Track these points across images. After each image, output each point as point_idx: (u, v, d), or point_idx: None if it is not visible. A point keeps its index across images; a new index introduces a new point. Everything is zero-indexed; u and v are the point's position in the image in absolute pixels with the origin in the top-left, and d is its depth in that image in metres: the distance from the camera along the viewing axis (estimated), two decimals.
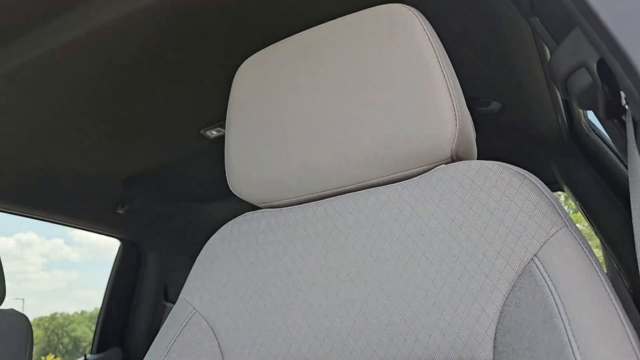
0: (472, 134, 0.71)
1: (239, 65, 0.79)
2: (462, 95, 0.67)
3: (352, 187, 0.69)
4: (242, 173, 0.74)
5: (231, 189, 0.77)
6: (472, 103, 1.46)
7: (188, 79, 1.25)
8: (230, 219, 0.78)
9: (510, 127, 1.62)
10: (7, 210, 1.66)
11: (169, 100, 1.34)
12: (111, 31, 1.01)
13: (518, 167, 0.62)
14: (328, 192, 0.70)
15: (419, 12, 0.68)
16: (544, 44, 0.66)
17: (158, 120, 1.46)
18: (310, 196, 0.71)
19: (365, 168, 0.67)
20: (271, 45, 0.77)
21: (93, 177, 1.74)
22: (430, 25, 0.68)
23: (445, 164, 0.66)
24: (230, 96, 0.79)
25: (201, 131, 1.54)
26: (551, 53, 0.62)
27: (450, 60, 0.69)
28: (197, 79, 1.25)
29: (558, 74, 0.59)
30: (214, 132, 1.54)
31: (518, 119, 1.57)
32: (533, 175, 0.61)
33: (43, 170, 1.58)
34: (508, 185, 0.59)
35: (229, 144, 0.76)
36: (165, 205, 2.19)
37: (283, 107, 0.72)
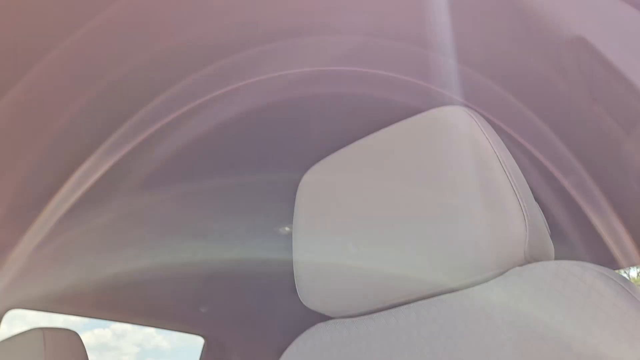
0: (546, 232, 0.67)
1: (307, 166, 0.81)
2: (530, 193, 0.65)
3: (424, 294, 0.67)
4: (310, 283, 0.74)
5: (301, 299, 0.76)
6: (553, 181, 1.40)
7: (260, 181, 1.30)
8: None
9: None
10: (99, 318, 1.74)
11: (243, 201, 1.39)
12: (192, 147, 1.09)
13: (601, 267, 0.57)
14: (399, 301, 0.68)
15: (474, 112, 0.68)
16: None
17: (233, 219, 1.51)
18: (380, 305, 0.70)
19: (435, 275, 0.65)
20: (334, 153, 0.79)
21: (174, 279, 1.80)
22: (487, 124, 0.67)
23: (520, 266, 0.62)
24: (295, 205, 0.80)
25: (274, 228, 1.57)
26: (621, 143, 0.59)
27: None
28: (268, 180, 1.29)
29: (630, 166, 0.55)
30: (287, 229, 1.57)
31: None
32: (619, 275, 0.56)
33: (126, 278, 1.66)
34: (591, 289, 0.55)
35: (297, 254, 0.77)
36: (246, 301, 2.21)
37: (349, 215, 0.72)
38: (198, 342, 2.23)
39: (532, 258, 0.62)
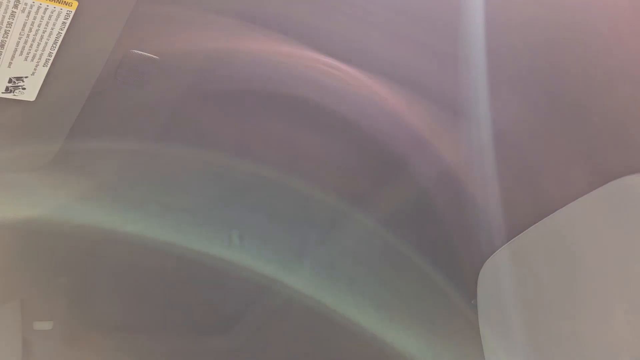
0: None
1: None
2: None
3: None
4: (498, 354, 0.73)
5: None
6: None
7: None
8: None
9: None
10: None
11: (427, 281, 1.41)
12: None
13: None
14: None
15: None
16: None
17: (423, 299, 1.52)
18: None
19: None
20: (515, 238, 0.76)
21: None
22: None
23: None
24: (477, 289, 0.80)
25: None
26: None
27: None
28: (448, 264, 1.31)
29: None
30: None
31: None
32: None
33: None
34: None
35: (483, 330, 0.77)
36: None
37: (533, 300, 0.70)
38: None
39: None
